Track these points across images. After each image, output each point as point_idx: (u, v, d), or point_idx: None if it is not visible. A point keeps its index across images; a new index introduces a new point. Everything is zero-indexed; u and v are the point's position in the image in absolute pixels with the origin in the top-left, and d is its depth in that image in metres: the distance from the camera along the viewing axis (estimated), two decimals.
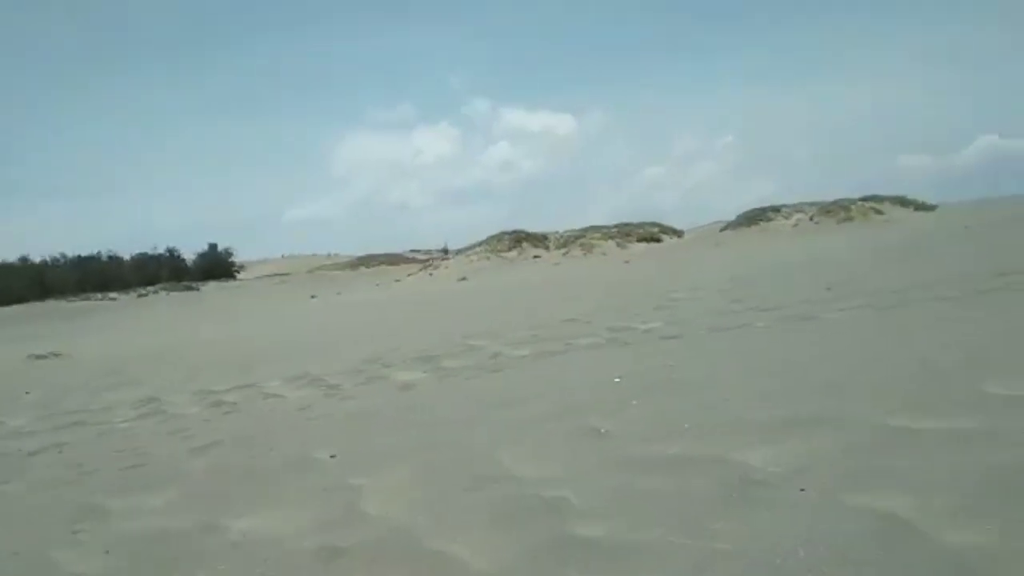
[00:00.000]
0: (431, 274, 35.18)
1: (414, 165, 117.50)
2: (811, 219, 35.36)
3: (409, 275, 37.20)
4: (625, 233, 36.62)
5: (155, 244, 64.25)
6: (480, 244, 40.27)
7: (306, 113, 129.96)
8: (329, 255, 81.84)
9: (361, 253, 55.77)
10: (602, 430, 3.94)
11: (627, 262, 28.28)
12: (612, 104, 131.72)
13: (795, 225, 34.98)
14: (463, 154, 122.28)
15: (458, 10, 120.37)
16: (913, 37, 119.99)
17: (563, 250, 35.36)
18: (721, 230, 39.02)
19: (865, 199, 37.94)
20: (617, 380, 5.01)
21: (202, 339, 15.68)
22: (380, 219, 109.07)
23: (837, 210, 35.62)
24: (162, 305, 42.57)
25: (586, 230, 37.76)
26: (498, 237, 39.96)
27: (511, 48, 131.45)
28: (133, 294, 51.31)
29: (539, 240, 38.68)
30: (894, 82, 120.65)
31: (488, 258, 37.37)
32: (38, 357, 13.37)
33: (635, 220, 39.02)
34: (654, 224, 39.08)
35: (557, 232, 40.44)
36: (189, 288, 53.54)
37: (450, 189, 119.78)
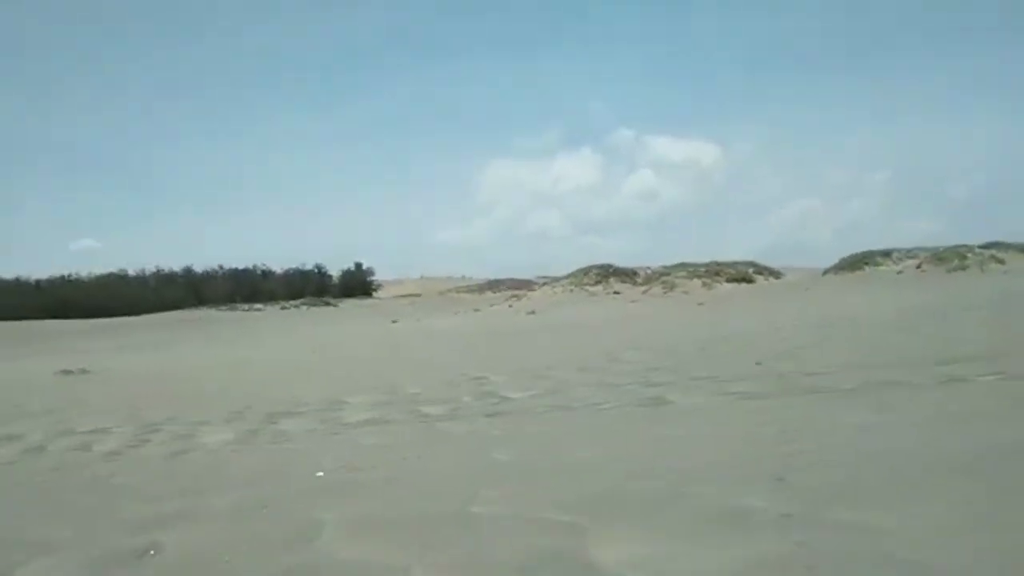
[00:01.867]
0: (511, 305, 35.35)
1: (555, 193, 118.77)
2: (919, 266, 32.66)
3: (492, 305, 37.58)
4: (715, 272, 35.30)
5: (304, 261, 68.72)
6: (568, 276, 40.16)
7: (454, 140, 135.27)
8: (463, 277, 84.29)
9: (497, 276, 57.54)
10: None
11: (701, 304, 27.26)
12: (761, 134, 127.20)
13: (899, 272, 32.42)
14: (604, 182, 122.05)
15: (605, 37, 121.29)
16: None
17: (644, 288, 34.53)
18: (824, 273, 36.84)
19: (987, 246, 34.64)
20: (320, 475, 4.83)
21: (239, 359, 16.53)
22: (519, 244, 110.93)
23: (951, 257, 32.73)
24: (274, 320, 45.05)
25: (675, 267, 36.74)
26: (586, 270, 39.69)
27: (658, 75, 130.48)
28: (277, 306, 55.16)
29: (627, 275, 38.05)
30: None
31: (571, 291, 37.17)
32: (65, 372, 14.59)
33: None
34: (750, 264, 37.43)
35: (649, 268, 39.65)
36: (328, 304, 56.93)
37: (589, 217, 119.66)
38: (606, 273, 38.52)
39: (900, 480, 3.98)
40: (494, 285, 54.60)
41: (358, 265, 72.66)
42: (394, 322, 33.66)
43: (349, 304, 56.83)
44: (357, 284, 69.89)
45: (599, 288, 36.82)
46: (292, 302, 56.83)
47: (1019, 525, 3.06)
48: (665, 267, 37.23)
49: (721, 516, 3.60)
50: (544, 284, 44.07)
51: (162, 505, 4.34)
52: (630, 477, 4.27)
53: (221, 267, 68.77)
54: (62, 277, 63.63)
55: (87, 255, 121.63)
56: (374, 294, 68.60)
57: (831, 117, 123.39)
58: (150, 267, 65.97)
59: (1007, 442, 4.57)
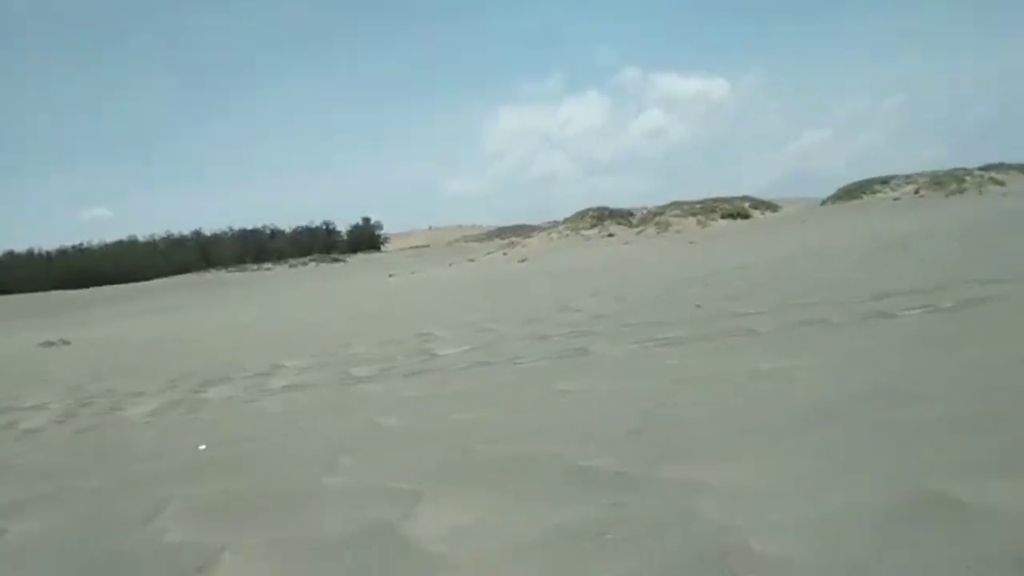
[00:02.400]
0: (504, 253, 35.22)
1: (562, 137, 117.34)
2: (916, 192, 32.05)
3: (489, 254, 37.47)
4: (710, 209, 34.86)
5: (314, 219, 69.03)
6: (564, 221, 39.89)
7: (461, 91, 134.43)
8: (473, 226, 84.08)
9: (507, 223, 57.60)
10: None
11: (692, 243, 27.01)
12: (768, 66, 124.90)
13: (896, 199, 31.84)
14: (612, 123, 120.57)
15: None
16: None
17: (638, 229, 34.23)
18: (822, 203, 36.31)
19: (987, 168, 33.92)
20: (202, 448, 4.83)
21: (237, 322, 16.58)
22: (529, 190, 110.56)
23: (949, 181, 32.09)
24: (280, 279, 45.17)
25: (669, 206, 36.32)
26: (582, 214, 39.36)
27: (662, 13, 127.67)
28: (286, 265, 55.49)
29: (623, 217, 37.69)
30: None
31: (567, 236, 36.94)
32: (47, 344, 14.74)
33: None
34: (746, 199, 36.93)
35: (645, 208, 39.24)
36: (336, 260, 57.30)
37: (598, 159, 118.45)
38: (601, 216, 38.20)
39: (759, 432, 3.92)
40: (502, 232, 54.81)
41: (366, 220, 73.14)
42: (390, 276, 33.68)
43: (357, 259, 57.14)
44: (365, 238, 70.36)
45: (594, 232, 36.54)
46: (301, 260, 57.21)
47: (851, 485, 2.99)
48: (659, 207, 36.78)
49: (563, 478, 3.57)
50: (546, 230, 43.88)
51: (33, 487, 4.37)
52: (492, 440, 4.23)
53: (231, 228, 69.39)
54: (73, 247, 64.29)
55: (98, 224, 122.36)
56: (382, 247, 68.95)
57: (839, 49, 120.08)
58: (160, 232, 66.30)
59: (885, 385, 4.47)
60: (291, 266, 54.47)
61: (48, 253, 63.56)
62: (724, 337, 6.79)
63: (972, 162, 33.77)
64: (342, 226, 70.26)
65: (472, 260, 35.41)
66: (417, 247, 61.67)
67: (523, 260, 29.73)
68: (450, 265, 34.66)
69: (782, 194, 42.81)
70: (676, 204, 36.26)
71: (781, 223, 30.09)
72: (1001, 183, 32.13)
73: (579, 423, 4.42)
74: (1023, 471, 2.84)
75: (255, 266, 55.93)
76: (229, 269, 54.84)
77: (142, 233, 67.06)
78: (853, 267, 10.94)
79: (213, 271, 54.20)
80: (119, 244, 66.88)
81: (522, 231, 50.19)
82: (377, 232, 71.55)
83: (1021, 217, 15.92)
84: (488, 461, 3.90)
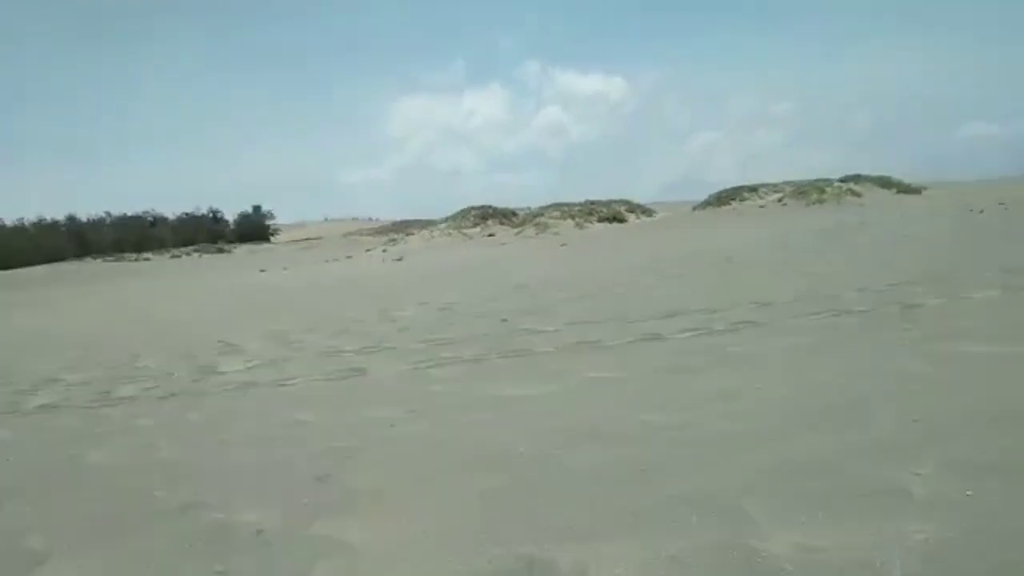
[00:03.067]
0: (384, 250, 34.67)
1: (465, 129, 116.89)
2: (780, 200, 33.60)
3: (368, 250, 36.81)
4: (588, 212, 35.40)
5: (198, 205, 65.87)
6: (447, 219, 39.64)
7: (359, 75, 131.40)
8: (370, 219, 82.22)
9: (407, 216, 56.46)
10: None
11: (564, 245, 27.29)
12: (666, 67, 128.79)
13: (762, 207, 33.29)
14: (514, 118, 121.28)
15: None
16: None
17: (518, 229, 34.39)
18: (694, 208, 37.51)
19: (846, 179, 35.94)
20: None
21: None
22: (431, 182, 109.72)
23: (810, 191, 33.77)
24: (153, 271, 42.90)
25: (549, 207, 36.66)
26: (465, 212, 39.22)
27: (562, 8, 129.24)
28: (167, 255, 52.63)
29: (506, 217, 37.79)
30: (964, 42, 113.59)
31: (450, 234, 36.69)
32: None
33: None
34: (623, 202, 37.73)
35: (529, 208, 39.49)
36: (221, 250, 54.84)
37: (501, 153, 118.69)
38: (485, 215, 38.18)
39: (414, 478, 3.81)
40: (399, 227, 53.82)
41: (256, 208, 70.76)
42: (262, 271, 32.54)
43: (242, 250, 54.99)
44: (254, 229, 68.01)
45: (477, 231, 36.47)
46: (184, 249, 54.65)
47: (455, 551, 2.92)
48: (541, 207, 37.08)
49: (204, 534, 3.36)
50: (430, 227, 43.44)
51: None
52: (164, 485, 3.98)
53: (108, 214, 65.39)
54: None
55: None
56: (272, 239, 66.77)
57: (732, 54, 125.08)
58: (30, 216, 61.67)
59: (599, 418, 4.50)
60: (173, 256, 51.96)
61: None
62: (501, 358, 6.76)
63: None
64: (232, 214, 67.46)
65: (350, 257, 34.66)
66: (308, 239, 60.16)
67: (399, 259, 29.31)
68: (325, 262, 33.82)
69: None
70: (556, 206, 36.63)
71: (647, 229, 30.87)
72: (859, 195, 34.07)
73: (273, 466, 4.23)
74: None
75: (134, 255, 52.88)
76: (106, 258, 51.59)
77: (10, 216, 62.05)
78: (667, 282, 11.21)
79: (89, 259, 50.85)
80: None
81: (419, 225, 49.60)
82: (267, 222, 69.25)
83: (848, 229, 16.84)
84: (151, 512, 3.65)
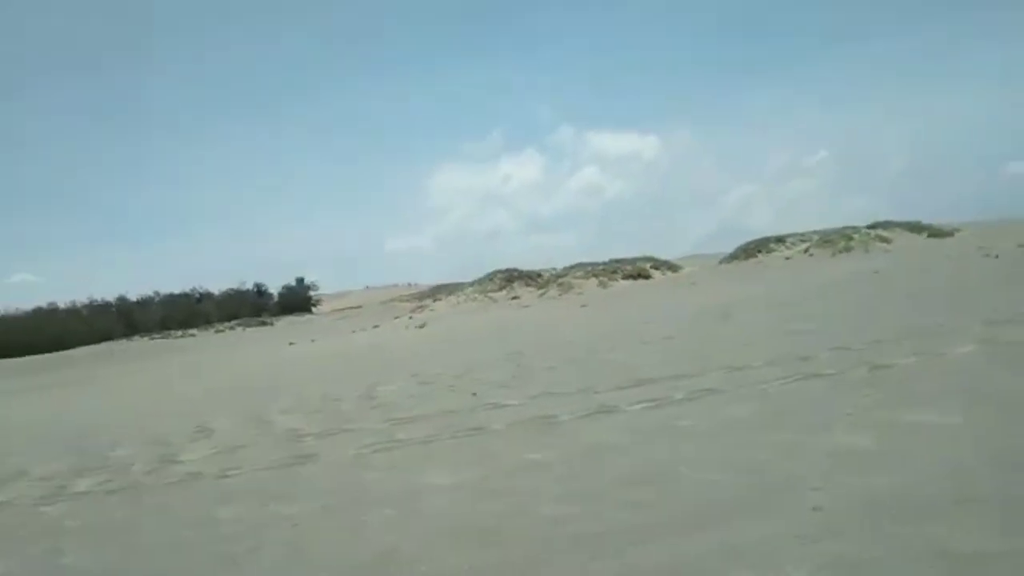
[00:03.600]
0: (410, 317, 34.87)
1: (503, 193, 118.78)
2: (807, 251, 33.01)
3: (396, 318, 37.07)
4: (612, 271, 35.23)
5: (246, 279, 67.79)
6: (474, 283, 39.84)
7: (401, 150, 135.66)
8: (409, 285, 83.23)
9: (448, 280, 57.15)
10: None
11: (584, 306, 27.08)
12: (699, 124, 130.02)
13: (787, 259, 32.73)
14: (550, 180, 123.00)
15: (538, 40, 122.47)
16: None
17: (542, 291, 34.34)
18: (720, 262, 37.10)
19: (875, 225, 35.24)
20: None
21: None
22: (472, 246, 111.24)
23: (837, 240, 33.15)
24: (194, 348, 43.75)
25: (573, 268, 36.62)
26: (491, 275, 39.38)
27: (593, 73, 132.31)
28: (212, 330, 53.76)
29: (531, 279, 37.79)
30: (999, 85, 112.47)
31: (476, 299, 36.80)
32: None
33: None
34: (648, 259, 37.49)
35: (554, 269, 39.51)
36: (264, 323, 55.91)
37: (538, 215, 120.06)
38: (511, 277, 38.22)
39: None
40: (435, 291, 54.19)
41: (299, 280, 72.13)
42: (291, 344, 32.92)
43: (284, 322, 55.95)
44: (297, 301, 69.22)
45: (503, 294, 36.52)
46: (228, 324, 55.71)
47: None
48: (565, 268, 37.06)
49: None
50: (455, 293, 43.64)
51: None
52: None
53: (157, 293, 67.39)
54: None
55: (24, 289, 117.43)
56: (313, 309, 67.80)
57: (763, 107, 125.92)
58: (82, 298, 64.00)
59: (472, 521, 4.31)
60: (216, 331, 52.92)
61: None
62: (452, 438, 6.61)
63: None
64: (277, 287, 68.90)
65: (376, 327, 34.89)
66: (348, 308, 60.79)
67: (421, 326, 29.40)
68: (352, 332, 34.10)
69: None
70: (580, 265, 36.59)
71: (667, 286, 30.51)
72: (887, 240, 33.33)
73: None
74: None
75: (179, 332, 54.13)
76: (153, 336, 52.95)
77: (68, 299, 64.50)
78: (654, 345, 10.96)
79: (136, 338, 52.21)
80: (37, 312, 64.08)
81: (452, 289, 49.94)
82: (310, 294, 70.37)
83: (857, 280, 16.36)
84: None
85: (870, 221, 35.68)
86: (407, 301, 55.74)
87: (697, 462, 4.86)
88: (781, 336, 9.54)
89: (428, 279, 57.64)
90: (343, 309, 61.82)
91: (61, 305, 64.29)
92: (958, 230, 35.91)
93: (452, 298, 38.78)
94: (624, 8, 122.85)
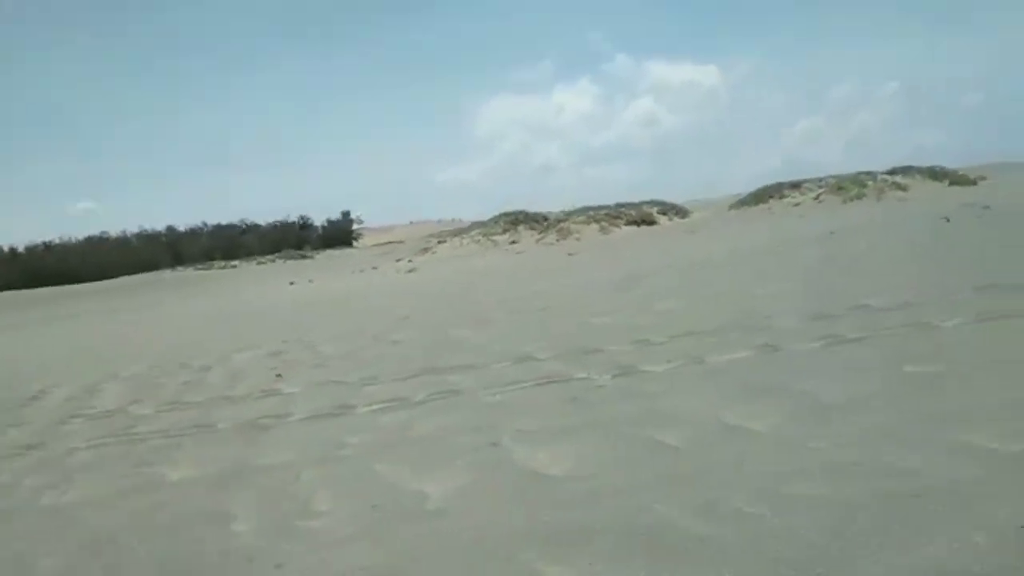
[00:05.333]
0: (410, 260, 34.60)
1: (555, 125, 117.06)
2: (817, 198, 31.67)
3: (397, 260, 36.83)
4: (615, 216, 34.35)
5: (300, 212, 68.32)
6: (479, 225, 39.32)
7: (450, 80, 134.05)
8: (453, 220, 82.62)
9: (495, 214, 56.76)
10: None
11: (571, 255, 26.44)
12: (760, 52, 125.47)
13: (796, 205, 31.48)
14: (605, 111, 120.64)
15: None
16: None
17: (540, 236, 33.68)
18: (730, 207, 35.89)
19: (895, 171, 33.64)
20: None
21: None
22: (523, 179, 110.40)
23: (850, 186, 31.72)
24: (226, 280, 44.03)
25: (576, 211, 35.77)
26: (496, 219, 38.78)
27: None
28: (254, 262, 54.30)
29: (537, 222, 37.06)
30: None
31: (478, 241, 36.32)
32: None
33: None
34: (656, 203, 36.48)
35: (563, 210, 38.70)
36: (304, 256, 56.38)
37: (591, 148, 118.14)
38: (516, 220, 37.54)
39: None
40: (476, 226, 53.37)
41: (345, 214, 71.86)
42: (291, 283, 32.97)
43: (324, 256, 56.15)
44: (339, 234, 69.15)
45: (505, 237, 35.94)
46: (268, 256, 56.18)
47: None
48: (566, 211, 36.23)
49: None
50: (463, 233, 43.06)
51: None
52: None
53: (205, 224, 68.06)
54: (42, 244, 62.60)
55: (86, 217, 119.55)
56: (355, 243, 67.73)
57: (828, 36, 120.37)
58: (133, 228, 65.05)
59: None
60: (259, 263, 53.29)
61: (12, 250, 61.56)
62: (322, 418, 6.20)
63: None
64: (323, 220, 69.09)
65: (375, 268, 34.65)
66: (390, 243, 60.05)
67: (411, 270, 29.16)
68: (352, 273, 33.94)
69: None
70: (584, 209, 35.73)
71: (667, 234, 29.60)
72: (904, 188, 31.83)
73: None
74: None
75: (222, 263, 54.72)
76: (196, 267, 53.70)
77: (126, 227, 65.66)
78: (609, 303, 10.35)
79: (180, 269, 53.03)
80: (88, 240, 65.10)
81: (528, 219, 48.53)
82: (354, 227, 70.08)
83: (854, 231, 15.42)
84: None
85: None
86: (449, 235, 54.74)
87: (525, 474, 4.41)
88: (746, 299, 8.82)
89: (476, 214, 55.91)
90: (385, 243, 61.04)
91: (113, 234, 65.16)
92: (983, 178, 34.14)
93: (456, 240, 38.34)
94: None
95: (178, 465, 5.23)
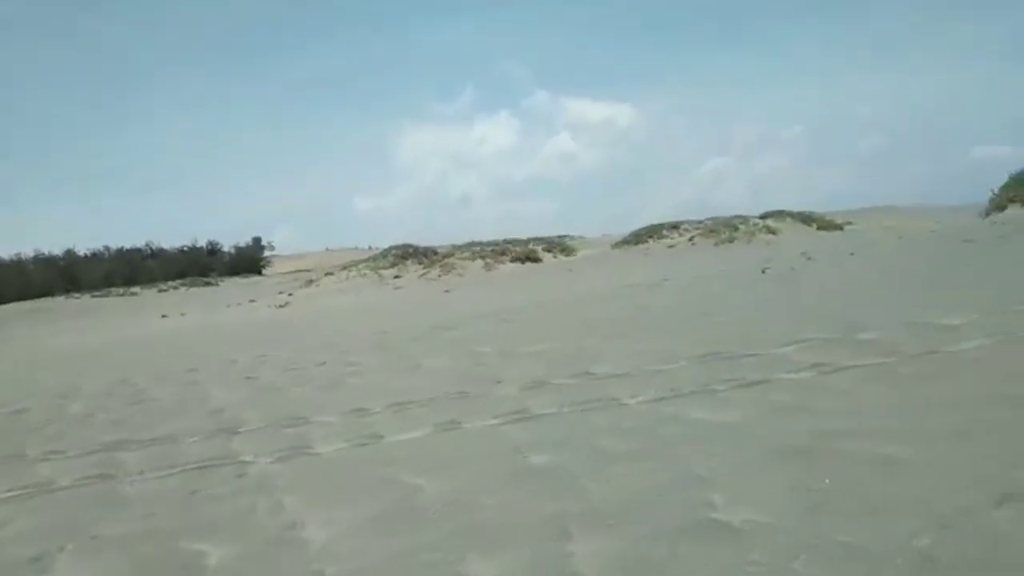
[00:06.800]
0: (291, 294, 33.94)
1: (475, 157, 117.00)
2: (690, 240, 32.71)
3: (280, 292, 36.09)
4: (500, 252, 34.61)
5: (209, 237, 65.91)
6: (367, 260, 39.01)
7: (370, 107, 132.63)
8: (369, 248, 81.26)
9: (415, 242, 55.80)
10: None
11: (447, 291, 26.45)
12: (675, 94, 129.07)
13: (670, 247, 32.42)
14: (524, 146, 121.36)
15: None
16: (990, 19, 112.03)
17: (424, 271, 33.61)
18: (613, 245, 36.62)
19: (767, 215, 35.09)
20: None
21: None
22: (441, 209, 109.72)
23: (721, 230, 32.90)
24: (115, 309, 42.06)
25: (463, 247, 35.95)
26: (386, 252, 38.60)
27: (571, 37, 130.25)
28: (155, 289, 51.72)
29: (426, 256, 37.00)
30: (971, 66, 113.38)
31: (364, 274, 35.98)
32: None
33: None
34: (541, 240, 36.97)
35: (451, 245, 38.78)
36: (208, 284, 54.31)
37: (510, 181, 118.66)
38: (405, 254, 37.44)
39: None
40: (391, 253, 52.56)
41: (256, 240, 69.90)
42: (163, 316, 31.86)
43: (229, 283, 54.33)
44: (247, 261, 67.16)
45: (393, 271, 35.71)
46: (172, 283, 53.93)
47: None
48: (453, 246, 36.33)
49: None
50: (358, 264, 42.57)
51: None
52: None
53: (107, 248, 64.76)
54: None
55: None
56: (264, 271, 65.85)
57: (736, 79, 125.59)
58: (28, 251, 61.28)
59: None
60: (160, 290, 50.98)
61: None
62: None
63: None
64: (231, 246, 66.92)
65: (253, 301, 33.83)
66: (299, 271, 58.54)
67: (283, 306, 28.59)
68: (227, 307, 33.05)
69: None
70: (470, 245, 35.92)
71: (547, 272, 30.03)
72: (774, 231, 33.17)
73: None
74: None
75: (121, 290, 52.10)
76: (94, 294, 50.87)
77: (16, 249, 61.72)
78: (443, 347, 10.27)
79: (76, 295, 50.10)
80: None
81: (418, 252, 48.09)
82: (264, 254, 68.19)
83: (700, 281, 15.86)
84: None
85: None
86: (325, 271, 53.65)
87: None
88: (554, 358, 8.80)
89: (393, 242, 55.21)
90: (294, 272, 59.66)
91: (6, 257, 61.42)
92: (850, 223, 35.87)
93: (344, 272, 37.87)
94: None
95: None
